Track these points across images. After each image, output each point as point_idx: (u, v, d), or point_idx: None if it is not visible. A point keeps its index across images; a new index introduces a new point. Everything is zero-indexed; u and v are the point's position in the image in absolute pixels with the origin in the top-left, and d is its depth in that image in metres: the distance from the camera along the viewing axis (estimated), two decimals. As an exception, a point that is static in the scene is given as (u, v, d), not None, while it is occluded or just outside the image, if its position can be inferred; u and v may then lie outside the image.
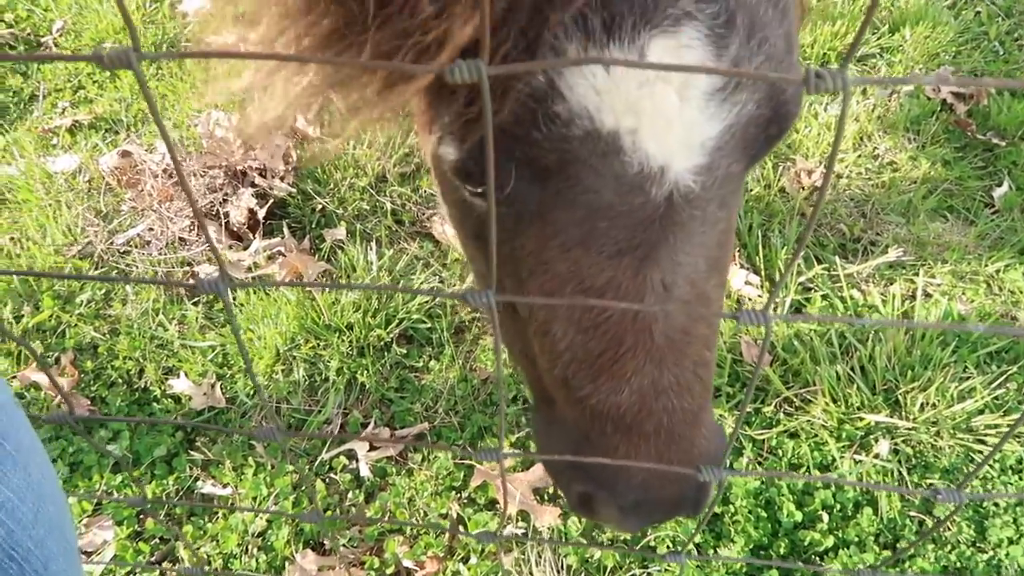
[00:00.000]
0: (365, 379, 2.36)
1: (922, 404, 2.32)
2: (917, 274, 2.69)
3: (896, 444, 2.28)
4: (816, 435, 2.30)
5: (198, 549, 2.02)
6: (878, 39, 3.53)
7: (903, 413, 2.32)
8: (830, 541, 2.08)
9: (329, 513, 2.10)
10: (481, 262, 1.02)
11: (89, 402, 2.29)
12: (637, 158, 0.75)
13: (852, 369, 2.39)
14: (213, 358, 2.40)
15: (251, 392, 2.33)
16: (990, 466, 2.27)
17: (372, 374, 2.36)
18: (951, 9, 3.70)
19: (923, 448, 2.28)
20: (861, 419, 2.30)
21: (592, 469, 0.92)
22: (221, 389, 2.34)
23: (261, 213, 2.69)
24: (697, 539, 2.08)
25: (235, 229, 2.68)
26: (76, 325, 2.45)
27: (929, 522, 2.16)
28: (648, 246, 0.80)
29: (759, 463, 2.25)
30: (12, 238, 2.66)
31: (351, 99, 0.74)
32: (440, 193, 1.10)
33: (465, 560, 2.04)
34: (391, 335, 2.44)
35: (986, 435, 2.29)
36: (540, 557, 2.03)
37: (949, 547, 2.11)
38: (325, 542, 2.07)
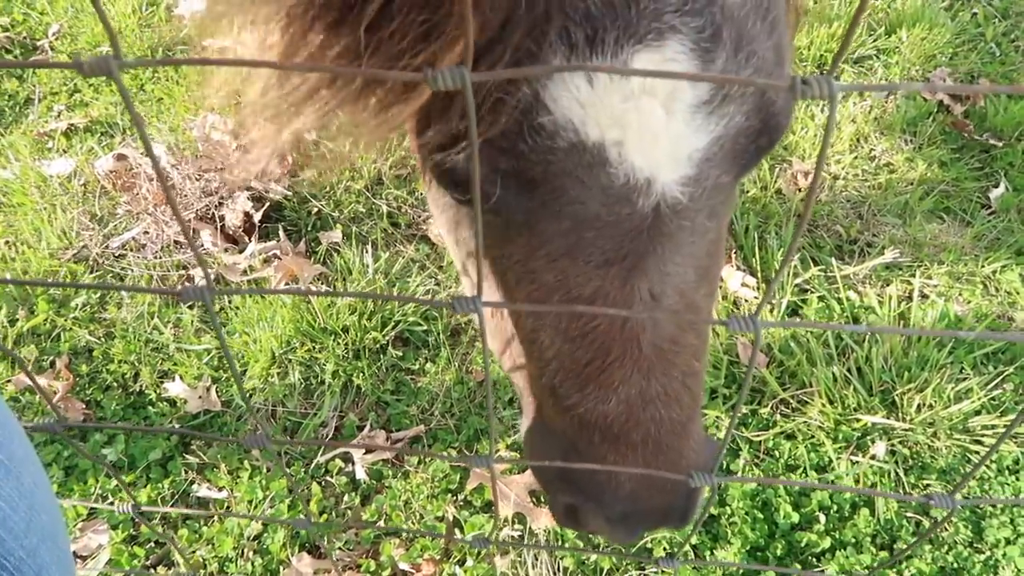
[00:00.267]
0: (361, 382, 2.35)
1: (919, 405, 2.32)
2: (914, 275, 2.69)
3: (893, 445, 2.28)
4: (813, 436, 2.29)
5: (193, 553, 2.02)
6: (874, 40, 3.53)
7: (900, 414, 2.32)
8: (827, 542, 2.07)
9: (324, 517, 2.10)
10: (471, 269, 1.01)
11: (84, 406, 2.28)
12: (623, 170, 0.75)
13: (848, 370, 2.39)
14: (208, 361, 2.40)
15: (247, 395, 2.33)
16: (987, 467, 2.27)
17: (368, 377, 2.36)
18: (948, 10, 3.71)
19: (920, 449, 2.28)
20: (858, 420, 2.30)
21: (579, 481, 0.92)
22: (216, 392, 2.33)
23: (257, 216, 2.69)
24: (693, 540, 2.08)
25: (231, 232, 2.68)
26: (71, 329, 2.44)
27: (926, 522, 2.16)
28: (636, 256, 0.80)
29: (756, 465, 2.25)
30: (7, 242, 2.65)
31: (347, 121, 0.74)
32: (431, 200, 1.10)
33: (462, 563, 2.04)
34: (387, 338, 2.43)
35: (983, 436, 2.29)
36: (536, 559, 2.02)
37: (946, 548, 2.11)
38: (321, 546, 2.07)
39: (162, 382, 2.34)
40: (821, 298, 2.60)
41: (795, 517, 2.10)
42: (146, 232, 2.68)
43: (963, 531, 2.13)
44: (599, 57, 0.69)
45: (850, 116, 3.21)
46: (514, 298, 0.90)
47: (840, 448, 2.27)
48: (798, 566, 2.03)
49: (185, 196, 2.72)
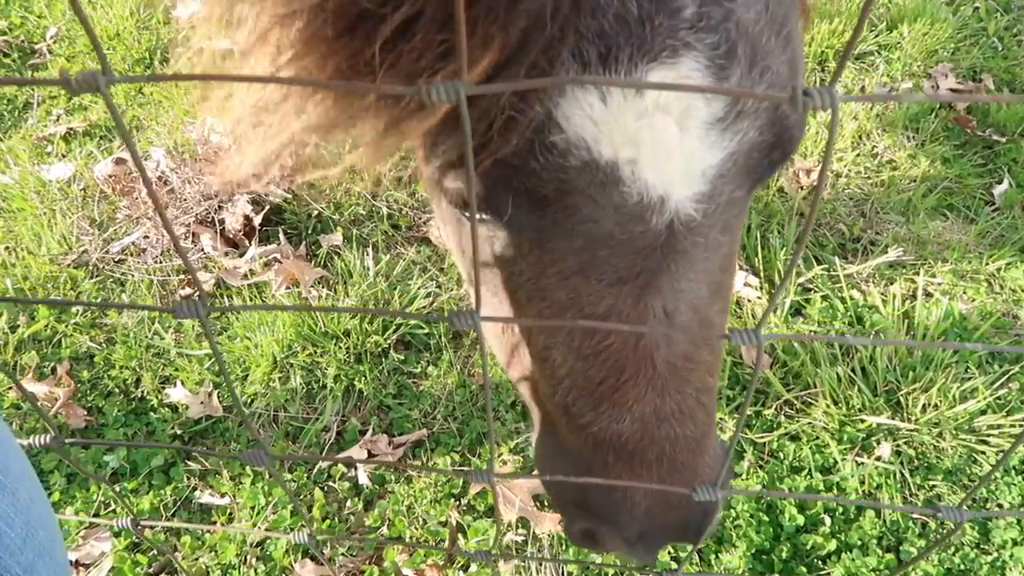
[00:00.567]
0: (363, 386, 2.34)
1: (924, 405, 2.30)
2: (917, 273, 2.67)
3: (898, 446, 2.26)
4: (817, 437, 2.28)
5: (196, 560, 2.01)
6: (876, 36, 3.51)
7: (905, 414, 2.30)
8: (832, 545, 2.06)
9: (327, 523, 2.09)
10: (480, 284, 1.00)
11: (86, 412, 2.27)
12: (636, 188, 0.73)
13: (853, 371, 2.38)
14: (210, 366, 2.39)
15: (248, 400, 2.32)
16: (992, 466, 2.25)
17: (370, 381, 2.35)
18: (949, 5, 3.68)
19: (925, 449, 2.27)
20: (862, 421, 2.29)
21: (594, 503, 0.91)
22: (218, 397, 2.32)
23: (257, 219, 2.68)
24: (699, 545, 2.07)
25: (231, 236, 2.67)
26: (72, 335, 2.43)
27: (932, 524, 2.15)
28: (649, 274, 0.79)
29: (760, 466, 2.24)
30: (7, 247, 2.64)
31: (354, 137, 0.72)
32: (439, 215, 1.09)
33: (465, 568, 2.03)
34: (388, 341, 2.42)
35: (988, 436, 2.27)
36: (541, 564, 2.01)
37: (953, 549, 2.09)
38: (324, 552, 2.06)
39: (163, 388, 2.34)
40: (824, 297, 2.58)
41: (800, 520, 2.09)
42: (146, 236, 2.67)
43: (970, 532, 2.12)
44: (612, 75, 0.68)
45: (852, 113, 3.20)
46: (525, 316, 0.89)
47: (845, 449, 2.25)
48: (804, 569, 2.01)
49: (184, 200, 2.71)
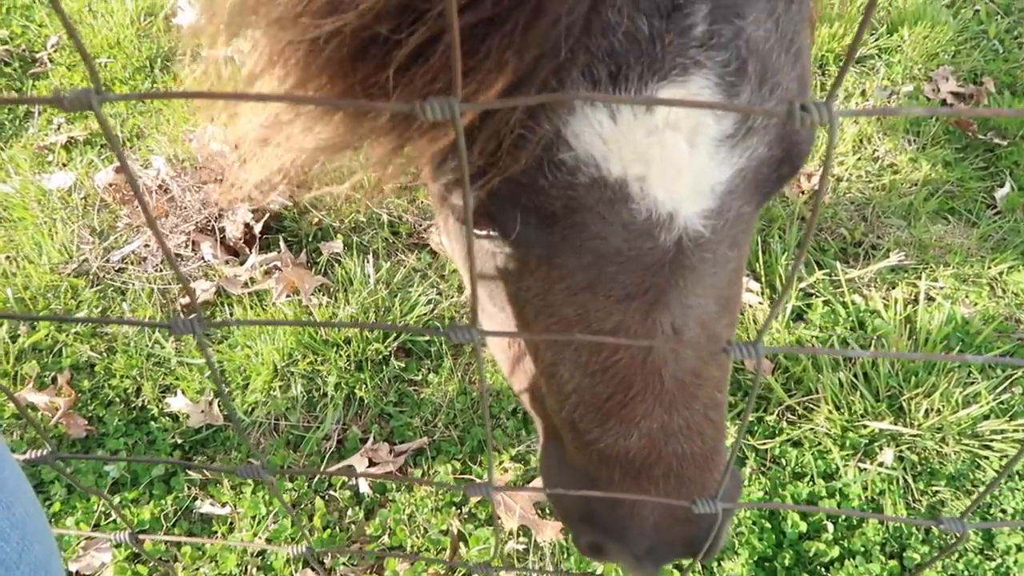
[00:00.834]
0: (364, 394, 2.34)
1: (926, 410, 2.29)
2: (919, 277, 2.67)
3: (901, 451, 2.25)
4: (820, 443, 2.27)
5: (197, 570, 2.00)
6: (876, 40, 3.50)
7: (907, 420, 2.30)
8: (836, 551, 2.05)
9: (328, 532, 2.08)
10: (485, 299, 1.00)
11: (87, 422, 2.27)
12: (645, 205, 0.73)
13: (855, 376, 2.37)
14: (210, 376, 2.38)
15: (249, 409, 2.32)
16: (996, 472, 2.24)
17: (371, 389, 2.34)
18: (949, 8, 3.68)
19: (928, 455, 2.26)
20: (865, 426, 2.28)
21: (601, 518, 0.90)
22: (219, 406, 2.32)
23: (257, 227, 2.68)
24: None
25: (231, 244, 2.67)
26: (72, 344, 2.43)
27: (935, 529, 2.14)
28: (657, 290, 0.78)
29: (763, 473, 2.23)
30: (8, 257, 2.64)
31: (362, 157, 0.72)
32: (446, 231, 1.09)
33: (466, 577, 2.02)
34: (389, 349, 2.42)
35: (992, 440, 2.26)
36: (542, 575, 2.00)
37: (957, 555, 2.08)
38: (325, 561, 2.06)
39: (164, 397, 2.33)
40: (826, 302, 2.57)
41: (803, 526, 2.08)
42: (147, 245, 2.67)
43: (973, 538, 2.11)
44: (623, 93, 0.67)
45: (853, 117, 3.19)
46: (533, 331, 0.88)
47: (847, 455, 2.24)
48: (807, 576, 2.00)
49: (185, 208, 2.71)
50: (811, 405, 2.34)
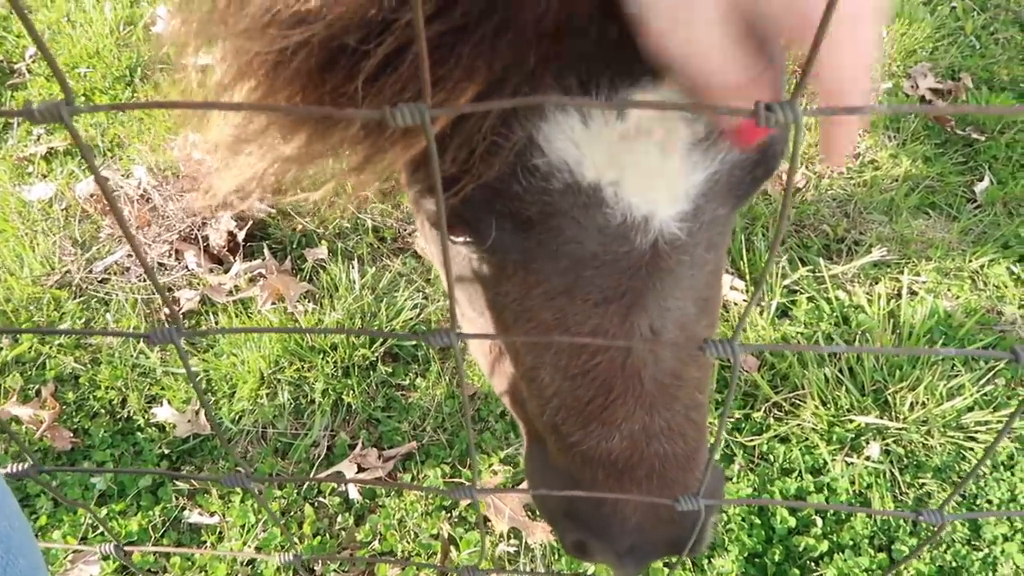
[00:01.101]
0: (351, 399, 2.33)
1: (911, 403, 2.31)
2: (902, 272, 2.69)
3: (887, 445, 2.27)
4: (807, 439, 2.29)
5: (186, 581, 1.99)
6: (855, 37, 3.53)
7: (893, 413, 2.31)
8: (825, 546, 2.07)
9: (318, 539, 2.08)
10: (465, 304, 1.00)
11: (72, 434, 2.25)
12: (620, 209, 0.73)
13: (840, 371, 2.39)
14: (192, 382, 2.37)
15: (236, 418, 2.31)
16: (975, 465, 2.26)
17: (358, 394, 2.34)
18: (926, 5, 3.72)
19: (914, 448, 2.28)
20: (851, 421, 2.29)
21: (585, 517, 0.91)
22: (205, 416, 2.31)
23: (241, 235, 2.67)
24: (691, 550, 2.07)
25: (215, 252, 2.66)
26: (56, 356, 2.41)
27: (923, 522, 2.15)
28: (635, 293, 0.79)
29: (751, 470, 2.24)
30: (-11, 269, 2.62)
31: (334, 165, 0.71)
32: (424, 237, 1.09)
33: (457, 580, 2.02)
34: (376, 354, 2.42)
35: (976, 432, 2.28)
36: (534, 575, 2.00)
37: (944, 546, 2.10)
38: (316, 568, 2.05)
39: (150, 407, 2.32)
40: (810, 298, 2.59)
41: (792, 522, 2.09)
42: (129, 255, 2.65)
43: (960, 529, 2.13)
44: (594, 99, 0.67)
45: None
46: (511, 335, 0.89)
47: (834, 450, 2.26)
48: (797, 572, 2.01)
49: (167, 217, 2.70)
50: (797, 401, 2.35)
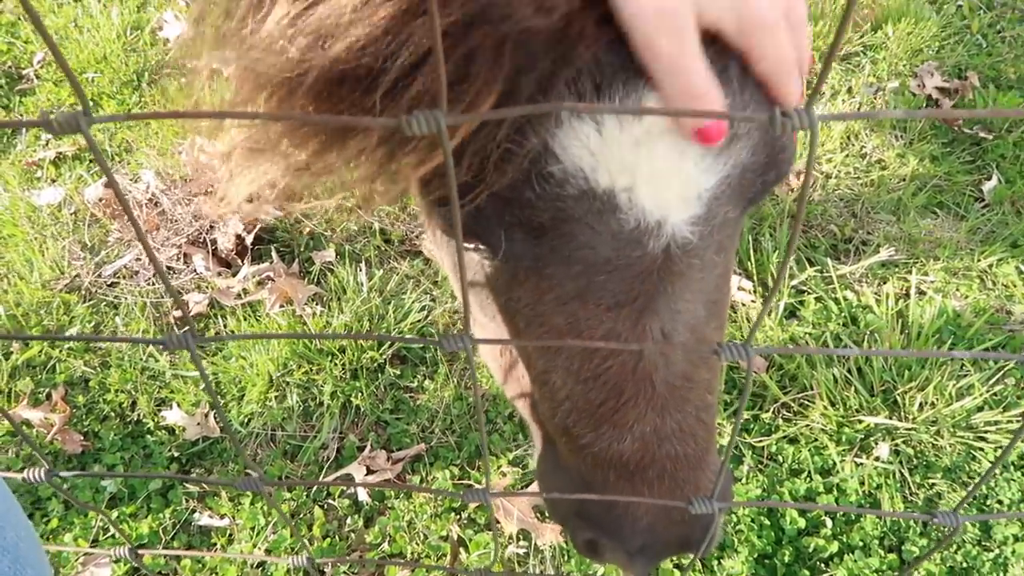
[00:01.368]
0: (360, 402, 2.34)
1: (921, 404, 2.31)
2: (910, 272, 2.68)
3: (896, 445, 2.27)
4: (816, 439, 2.28)
5: (197, 583, 2.00)
6: (860, 37, 3.53)
7: (902, 414, 2.31)
8: (835, 547, 2.06)
9: (328, 541, 2.08)
10: (476, 309, 1.01)
11: (82, 437, 2.26)
12: (633, 214, 0.74)
13: (849, 371, 2.38)
14: (206, 387, 2.38)
15: (245, 420, 2.31)
16: (991, 463, 2.26)
17: (367, 396, 2.34)
18: (932, 4, 3.71)
19: (924, 448, 2.27)
20: (860, 421, 2.29)
21: (596, 516, 0.91)
22: (215, 419, 2.31)
23: (249, 239, 2.68)
24: (700, 551, 2.06)
25: (223, 255, 2.67)
26: (66, 360, 2.43)
27: (933, 523, 2.15)
28: (647, 297, 0.79)
29: (760, 470, 2.24)
30: (-1, 274, 2.64)
31: (348, 176, 0.72)
32: (435, 244, 1.09)
33: (467, 582, 2.02)
34: (384, 356, 2.42)
35: (986, 432, 2.28)
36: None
37: (955, 547, 2.09)
38: (326, 570, 2.05)
39: (160, 410, 2.33)
40: (818, 299, 2.59)
41: (802, 523, 2.09)
42: (138, 259, 2.67)
43: (971, 529, 2.12)
44: (607, 103, 0.68)
45: (840, 113, 3.21)
46: (523, 340, 0.89)
47: (844, 450, 2.25)
48: (807, 573, 2.01)
49: (175, 221, 2.71)
50: (806, 402, 2.35)
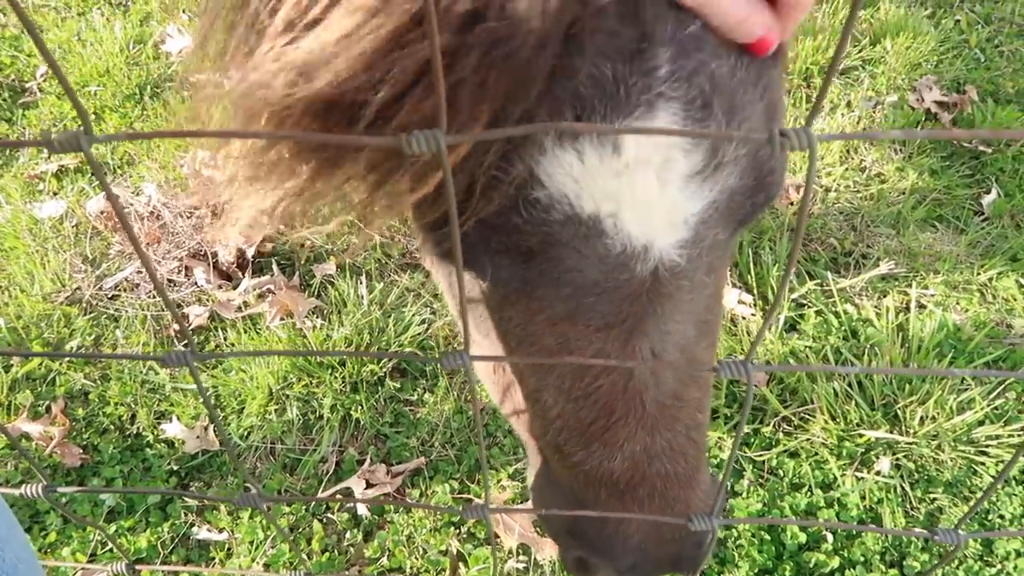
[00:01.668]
0: (359, 415, 2.33)
1: (921, 418, 2.30)
2: (910, 286, 2.68)
3: (897, 459, 2.26)
4: (816, 453, 2.28)
5: (195, 598, 1.99)
6: (859, 51, 3.54)
7: (903, 428, 2.30)
8: (836, 562, 2.05)
9: (327, 555, 2.07)
10: (471, 326, 1.01)
11: (81, 451, 2.26)
12: (619, 239, 0.74)
13: (850, 385, 2.38)
14: (206, 400, 2.37)
15: (245, 433, 2.31)
16: (993, 477, 2.25)
17: (366, 410, 2.34)
18: (931, 19, 3.73)
19: (925, 462, 2.26)
20: (861, 435, 2.28)
21: (587, 535, 0.91)
22: (214, 432, 2.31)
23: (250, 251, 2.68)
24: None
25: (224, 268, 2.67)
26: (66, 373, 2.42)
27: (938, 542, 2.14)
28: (636, 319, 0.80)
29: (760, 485, 2.23)
30: (0, 286, 2.64)
31: (343, 201, 0.73)
32: (429, 263, 1.10)
33: (466, 597, 2.01)
34: (384, 370, 2.42)
35: (987, 446, 2.27)
36: (542, 591, 2.00)
37: (957, 562, 2.08)
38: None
39: (159, 423, 2.32)
40: (818, 312, 2.59)
41: (802, 537, 2.08)
42: (139, 271, 2.67)
43: (973, 544, 2.11)
44: (588, 135, 0.68)
45: (839, 128, 3.22)
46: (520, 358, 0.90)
47: (844, 465, 2.25)
48: (807, 587, 2.00)
49: (177, 234, 2.72)
50: (807, 416, 2.34)
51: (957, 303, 2.65)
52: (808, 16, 3.62)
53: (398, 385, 2.41)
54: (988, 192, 3.01)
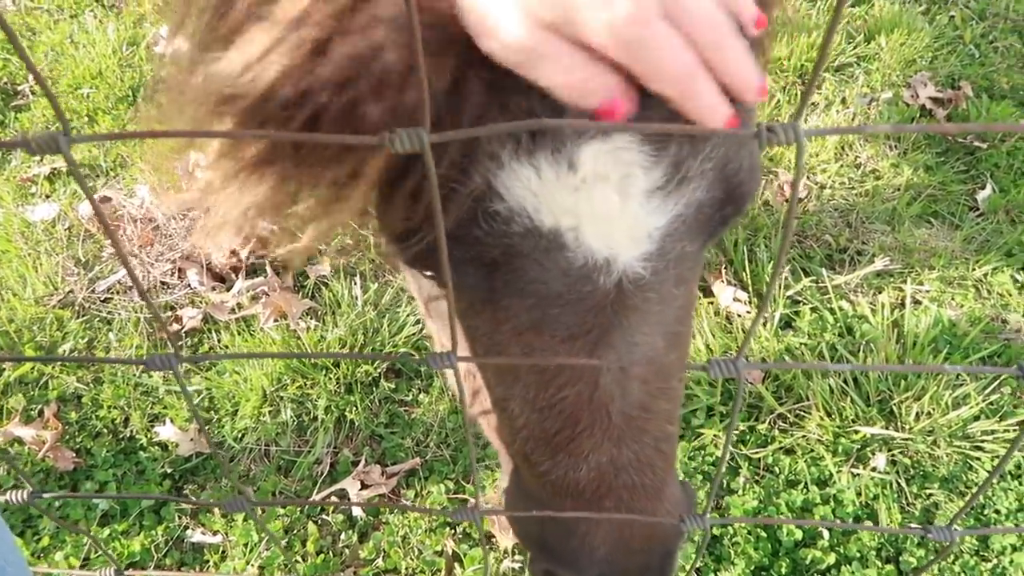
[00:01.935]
0: (354, 416, 2.33)
1: (917, 413, 2.30)
2: (905, 282, 2.68)
3: (893, 455, 2.26)
4: (812, 450, 2.27)
5: (190, 601, 1.98)
6: (854, 48, 3.54)
7: (898, 424, 2.30)
8: (832, 558, 2.05)
9: (322, 557, 2.07)
10: (442, 333, 1.01)
11: (74, 454, 2.25)
12: (581, 252, 0.74)
13: (845, 382, 2.37)
14: (199, 403, 2.37)
15: (239, 435, 2.30)
16: (988, 472, 2.25)
17: (361, 410, 2.33)
18: (925, 15, 3.73)
19: (920, 458, 2.26)
20: (856, 432, 2.28)
21: (553, 547, 0.91)
22: (205, 438, 2.30)
23: (244, 253, 2.67)
24: (696, 564, 2.05)
25: (218, 270, 2.66)
26: (59, 376, 2.41)
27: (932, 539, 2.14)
28: (601, 330, 0.79)
29: (756, 482, 2.23)
30: (-8, 290, 2.63)
31: (303, 209, 0.73)
32: (404, 271, 1.11)
33: (463, 598, 2.01)
34: (379, 370, 2.41)
35: (983, 441, 2.27)
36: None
37: (953, 557, 2.08)
38: (320, 587, 2.04)
39: (152, 426, 2.31)
40: (814, 309, 2.59)
41: (798, 534, 2.08)
42: (132, 274, 2.66)
43: (969, 540, 2.11)
44: (543, 151, 0.68)
45: (834, 124, 3.22)
46: (483, 369, 0.89)
47: (840, 461, 2.25)
48: (804, 585, 2.00)
49: (170, 236, 2.71)
50: (802, 412, 2.34)
51: (952, 299, 2.65)
52: (803, 13, 3.62)
53: (393, 386, 2.40)
54: (983, 188, 3.01)
